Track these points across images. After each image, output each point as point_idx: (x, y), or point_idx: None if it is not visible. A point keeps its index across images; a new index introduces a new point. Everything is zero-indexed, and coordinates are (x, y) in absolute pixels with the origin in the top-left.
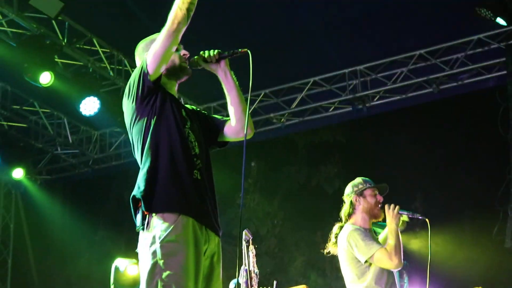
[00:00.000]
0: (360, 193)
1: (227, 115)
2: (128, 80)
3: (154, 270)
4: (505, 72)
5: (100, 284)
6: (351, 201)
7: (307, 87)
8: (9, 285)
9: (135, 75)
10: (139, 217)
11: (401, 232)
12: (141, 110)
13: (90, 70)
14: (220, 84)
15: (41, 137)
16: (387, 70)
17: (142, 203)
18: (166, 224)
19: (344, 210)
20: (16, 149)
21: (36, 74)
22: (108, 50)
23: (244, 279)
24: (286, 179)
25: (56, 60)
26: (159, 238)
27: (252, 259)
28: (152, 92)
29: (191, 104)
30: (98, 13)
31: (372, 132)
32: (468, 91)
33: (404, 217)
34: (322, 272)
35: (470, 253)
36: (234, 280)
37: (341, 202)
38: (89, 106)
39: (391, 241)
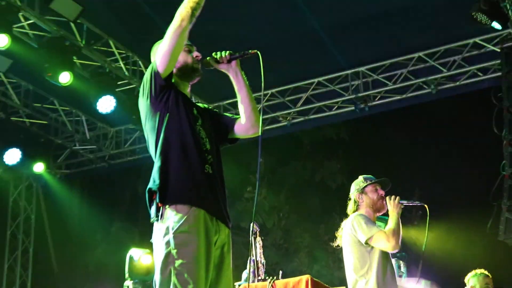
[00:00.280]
0: (361, 191)
1: (237, 113)
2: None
3: (168, 259)
4: (499, 73)
5: (115, 273)
6: (354, 199)
7: (311, 87)
8: (30, 272)
9: (147, 74)
10: (153, 209)
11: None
12: (154, 107)
13: (107, 70)
14: (231, 84)
15: (61, 133)
16: (388, 71)
17: (157, 195)
18: (179, 216)
19: (349, 208)
20: (37, 145)
21: (56, 74)
22: (124, 52)
23: (252, 269)
24: (291, 174)
25: (74, 60)
26: (172, 229)
27: (259, 250)
28: (164, 90)
29: (202, 103)
30: (115, 17)
31: (374, 130)
32: (464, 91)
33: None
34: (325, 263)
35: (466, 245)
36: (246, 270)
37: (344, 196)
38: (106, 104)
39: (390, 225)
